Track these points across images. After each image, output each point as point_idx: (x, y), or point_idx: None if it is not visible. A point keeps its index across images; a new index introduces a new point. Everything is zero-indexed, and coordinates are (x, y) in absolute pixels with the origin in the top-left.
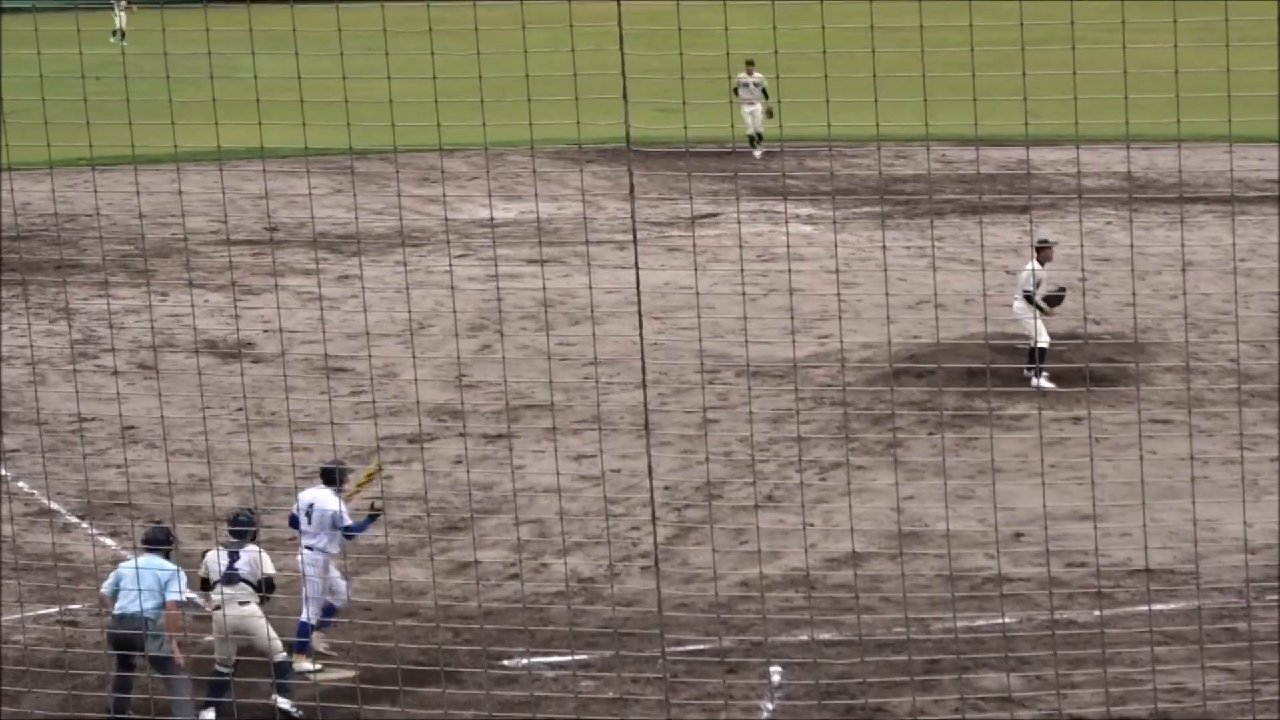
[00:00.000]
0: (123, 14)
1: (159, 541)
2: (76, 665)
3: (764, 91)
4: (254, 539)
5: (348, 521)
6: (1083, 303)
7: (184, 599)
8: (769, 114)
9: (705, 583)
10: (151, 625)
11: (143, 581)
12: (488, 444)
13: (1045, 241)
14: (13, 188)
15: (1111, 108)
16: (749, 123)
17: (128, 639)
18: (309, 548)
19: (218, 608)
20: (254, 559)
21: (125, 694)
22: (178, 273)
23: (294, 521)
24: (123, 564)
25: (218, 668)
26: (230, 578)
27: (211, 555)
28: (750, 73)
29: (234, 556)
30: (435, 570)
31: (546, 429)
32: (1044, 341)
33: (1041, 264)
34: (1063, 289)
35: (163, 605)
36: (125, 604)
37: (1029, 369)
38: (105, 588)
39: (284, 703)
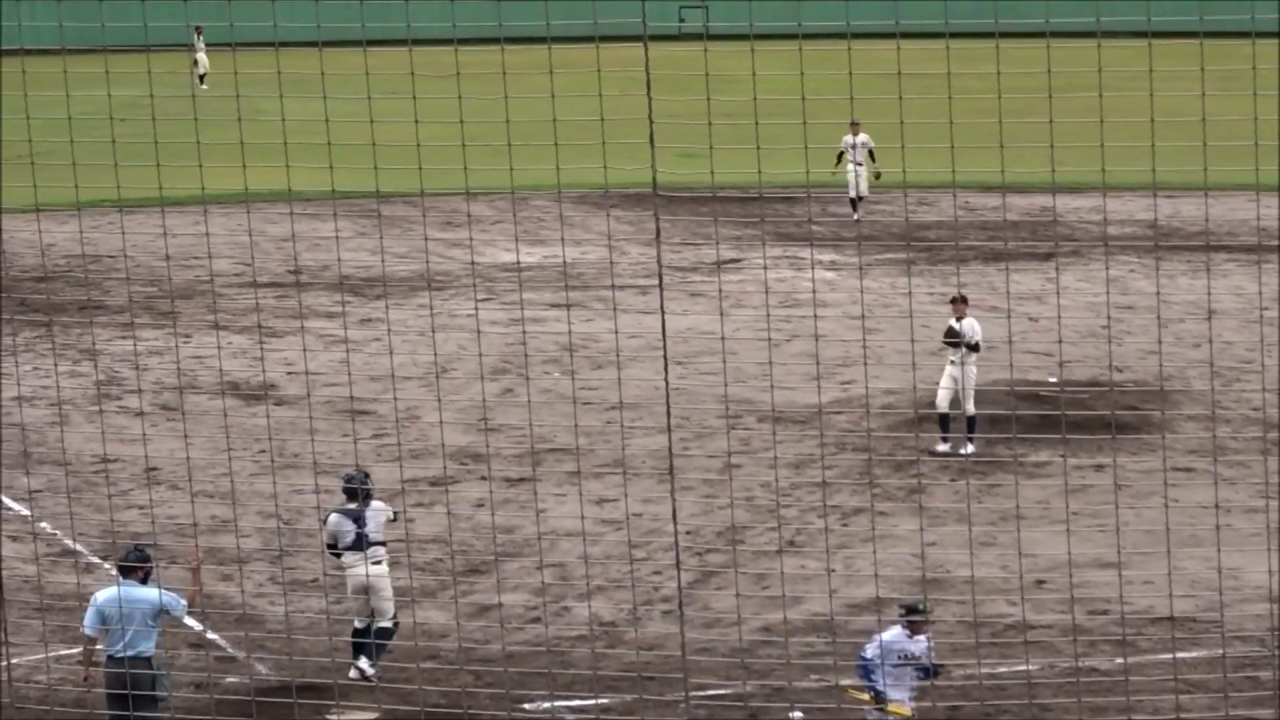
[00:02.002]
0: (202, 54)
1: (137, 564)
2: (99, 705)
3: (870, 153)
4: (368, 495)
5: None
6: (1107, 350)
7: (181, 614)
8: (876, 176)
9: (727, 627)
10: (155, 665)
11: (132, 619)
12: (510, 487)
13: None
14: (40, 228)
15: (1136, 155)
16: (853, 184)
17: (126, 683)
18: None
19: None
20: (378, 517)
21: None
22: (202, 314)
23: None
24: (100, 597)
25: (357, 623)
26: (361, 541)
27: (335, 518)
28: (856, 133)
29: (360, 521)
30: (457, 613)
31: (569, 473)
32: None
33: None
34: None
35: (161, 631)
36: (118, 646)
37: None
38: (88, 627)
39: (364, 663)
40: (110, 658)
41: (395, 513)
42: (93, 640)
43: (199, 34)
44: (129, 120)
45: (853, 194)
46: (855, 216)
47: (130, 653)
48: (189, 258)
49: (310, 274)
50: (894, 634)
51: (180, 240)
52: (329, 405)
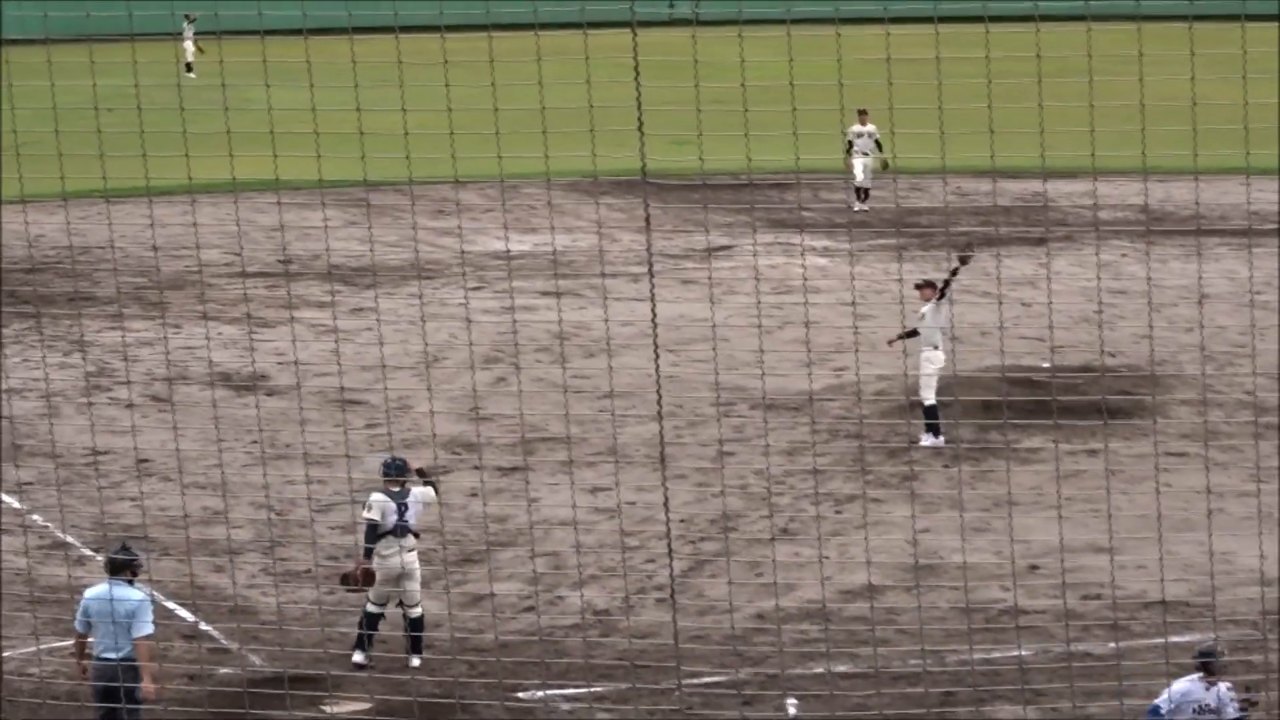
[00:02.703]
0: (190, 44)
1: (122, 566)
2: (91, 701)
3: (878, 143)
4: (405, 483)
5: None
6: (1099, 335)
7: (152, 630)
8: (884, 166)
9: (721, 615)
10: (134, 673)
11: (112, 619)
12: (503, 476)
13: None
14: (27, 220)
15: (1128, 140)
16: (859, 175)
17: (112, 687)
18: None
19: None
20: (417, 504)
21: None
22: (192, 305)
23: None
24: (88, 594)
25: (372, 608)
26: (402, 530)
27: (379, 497)
28: (864, 123)
29: (403, 507)
30: (451, 603)
31: (562, 461)
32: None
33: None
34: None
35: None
36: (103, 648)
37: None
38: (77, 624)
39: (415, 661)
40: (96, 657)
41: (436, 485)
42: (82, 637)
43: (190, 22)
44: (116, 110)
45: (858, 184)
46: (856, 207)
47: (112, 654)
48: (178, 248)
49: (300, 263)
50: (1187, 683)
51: (169, 230)
52: (320, 395)
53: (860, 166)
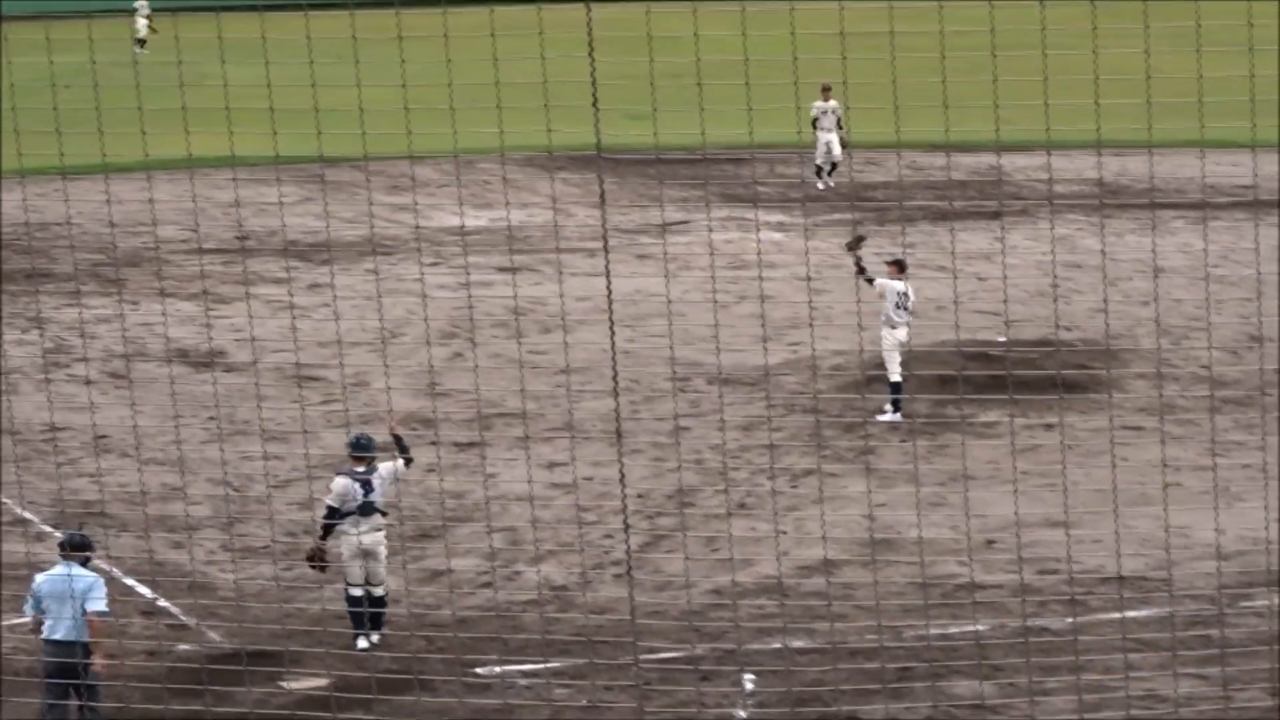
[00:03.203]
0: (144, 21)
1: (77, 548)
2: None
3: (839, 121)
4: (373, 461)
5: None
6: (1054, 309)
7: (106, 609)
8: (843, 144)
9: (678, 590)
10: (84, 651)
11: (65, 604)
12: (460, 452)
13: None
14: None
15: (1083, 113)
16: (823, 151)
17: (63, 666)
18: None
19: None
20: (384, 482)
21: None
22: (149, 282)
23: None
24: (39, 578)
25: (353, 590)
26: (366, 508)
27: (341, 482)
28: (827, 99)
29: (367, 486)
30: (408, 578)
31: (518, 437)
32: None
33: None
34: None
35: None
36: (53, 630)
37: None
38: (27, 608)
39: (369, 639)
40: (46, 640)
41: (408, 459)
42: (37, 621)
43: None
44: (74, 87)
45: (819, 160)
46: (820, 185)
47: (60, 635)
48: (135, 225)
49: (257, 240)
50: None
51: (126, 207)
52: (277, 371)
53: (823, 143)
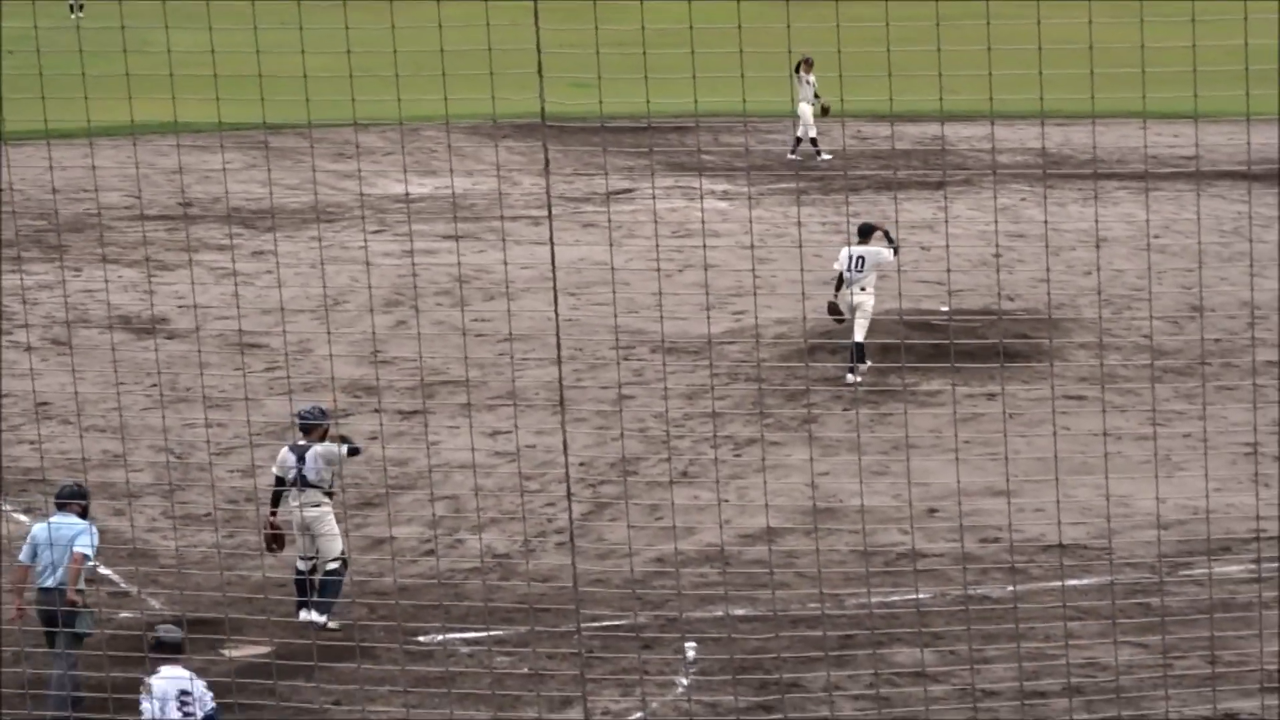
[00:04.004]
0: None
1: (72, 497)
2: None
3: (815, 93)
4: (322, 435)
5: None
6: (997, 279)
7: (91, 554)
8: (823, 112)
9: (620, 559)
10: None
11: (56, 547)
12: (403, 420)
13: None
14: None
15: (1026, 83)
16: (801, 123)
17: (52, 615)
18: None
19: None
20: (319, 460)
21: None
22: (92, 248)
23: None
24: (36, 526)
25: (300, 564)
26: (301, 482)
27: (282, 452)
28: (808, 71)
29: (300, 459)
30: (350, 546)
31: (461, 405)
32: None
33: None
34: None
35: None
36: (44, 578)
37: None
38: (23, 555)
39: (314, 615)
40: (39, 587)
41: (354, 449)
42: (24, 570)
43: None
44: (16, 53)
45: (799, 133)
46: (790, 155)
47: (51, 582)
48: (78, 191)
49: (200, 206)
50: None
51: (69, 173)
52: (220, 339)
53: (802, 115)
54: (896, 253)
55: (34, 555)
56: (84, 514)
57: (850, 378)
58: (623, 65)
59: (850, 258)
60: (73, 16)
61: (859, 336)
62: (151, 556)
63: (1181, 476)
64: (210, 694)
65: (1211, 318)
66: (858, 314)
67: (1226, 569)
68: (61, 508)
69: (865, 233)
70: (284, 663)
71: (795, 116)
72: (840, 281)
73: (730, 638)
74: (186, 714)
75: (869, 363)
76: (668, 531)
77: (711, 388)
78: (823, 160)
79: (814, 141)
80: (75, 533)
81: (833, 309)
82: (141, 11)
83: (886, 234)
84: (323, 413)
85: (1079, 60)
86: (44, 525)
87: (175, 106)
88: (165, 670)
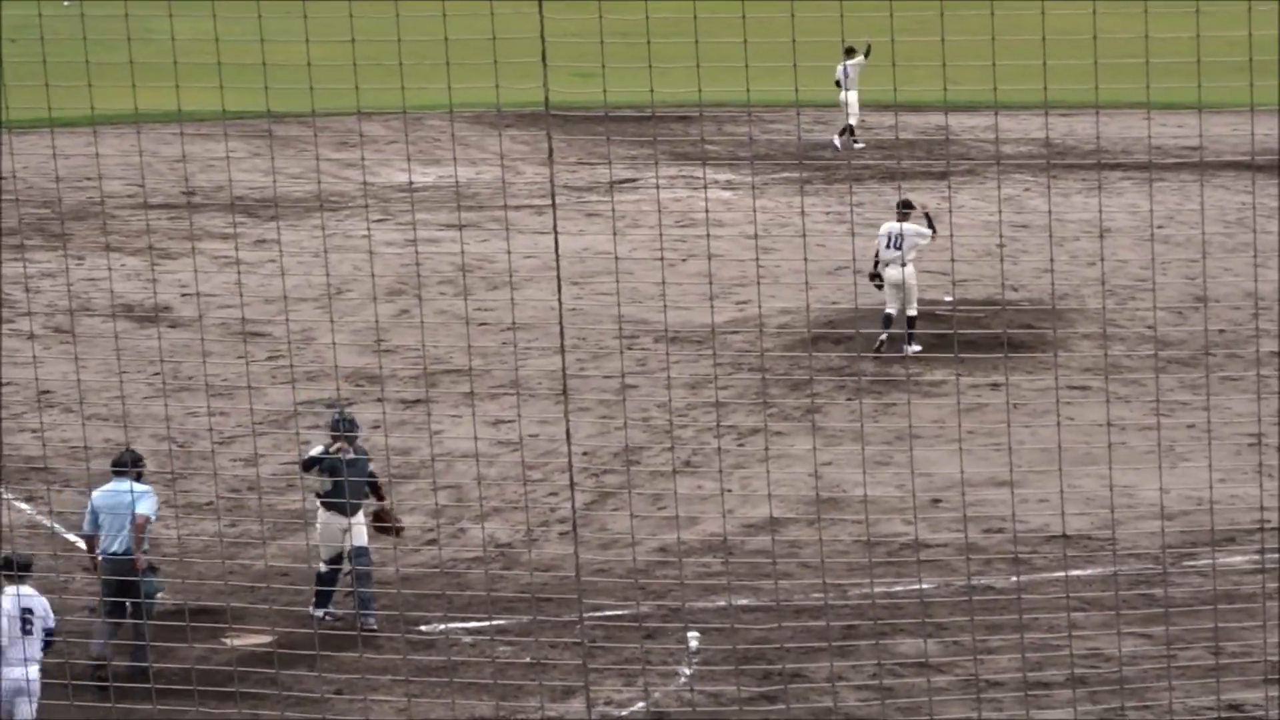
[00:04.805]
0: None
1: (130, 462)
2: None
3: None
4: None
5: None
6: (1000, 269)
7: (154, 516)
8: (866, 51)
9: (623, 548)
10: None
11: (117, 514)
12: (406, 409)
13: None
14: None
15: (1030, 74)
16: (845, 111)
17: (121, 582)
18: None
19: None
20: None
21: (112, 640)
22: (94, 237)
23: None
24: (95, 494)
25: (321, 566)
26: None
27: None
28: (850, 58)
29: (336, 470)
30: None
31: (464, 394)
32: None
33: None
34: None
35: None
36: (109, 544)
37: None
38: (86, 525)
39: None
40: (103, 554)
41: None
42: (91, 539)
43: None
44: (18, 41)
45: (851, 121)
46: (835, 143)
47: (117, 548)
48: (81, 179)
49: (204, 195)
50: None
51: (72, 162)
52: (223, 327)
53: (844, 103)
54: (935, 234)
55: (96, 523)
56: (139, 478)
57: (909, 348)
58: (626, 54)
59: (890, 235)
60: (65, 4)
61: (911, 311)
62: (154, 545)
63: (1185, 467)
64: (52, 613)
65: (1215, 308)
66: (903, 291)
67: (1230, 560)
68: (118, 475)
69: (905, 209)
70: (286, 652)
71: (842, 104)
72: (877, 257)
73: (733, 628)
74: (27, 631)
75: (918, 346)
76: (670, 521)
77: (715, 377)
78: (856, 147)
79: (848, 131)
80: (136, 496)
81: (873, 277)
82: None
83: (926, 215)
84: (350, 421)
85: (1083, 51)
86: (102, 492)
87: (179, 95)
88: (12, 589)
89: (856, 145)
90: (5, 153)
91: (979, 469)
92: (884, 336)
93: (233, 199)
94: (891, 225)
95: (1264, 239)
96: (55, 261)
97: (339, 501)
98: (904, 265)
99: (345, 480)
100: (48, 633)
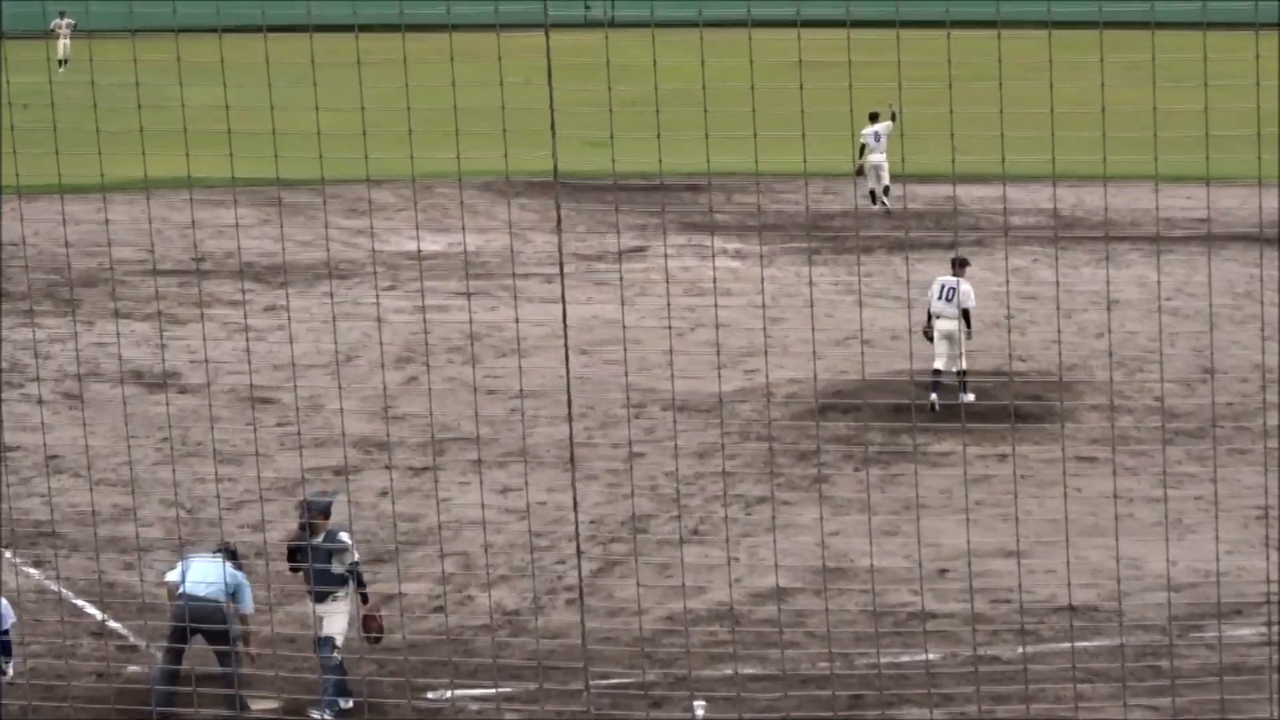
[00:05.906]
0: (66, 41)
1: (228, 554)
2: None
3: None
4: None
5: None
6: (1008, 340)
7: (252, 612)
8: (892, 117)
9: (630, 616)
10: (221, 612)
11: (210, 574)
12: (414, 476)
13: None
14: None
15: (1039, 145)
16: (873, 176)
17: (194, 619)
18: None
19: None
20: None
21: (173, 685)
22: (104, 302)
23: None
24: (192, 557)
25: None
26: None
27: (346, 537)
28: (875, 123)
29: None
30: (359, 602)
31: (472, 462)
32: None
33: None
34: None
35: (232, 596)
36: (196, 589)
37: (950, 387)
38: (171, 575)
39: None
40: (185, 594)
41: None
42: (173, 587)
43: (61, 17)
44: (30, 106)
45: (872, 185)
46: (877, 208)
47: (203, 592)
48: (91, 245)
49: (213, 261)
50: None
51: (82, 228)
52: (232, 394)
53: (874, 169)
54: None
55: (184, 575)
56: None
57: (965, 397)
58: (635, 124)
59: (943, 287)
60: (59, 70)
61: (964, 364)
62: (161, 611)
63: (1193, 539)
64: (10, 612)
65: (1223, 380)
66: (952, 343)
67: (1238, 632)
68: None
69: (959, 265)
70: (293, 718)
71: (869, 171)
72: (929, 311)
73: (740, 696)
74: None
75: (972, 395)
76: (678, 590)
77: (723, 446)
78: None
79: (885, 191)
80: (238, 578)
81: (926, 333)
82: (156, 68)
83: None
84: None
85: (1091, 122)
86: (197, 558)
87: (189, 162)
88: None
89: (885, 205)
90: (15, 218)
91: (986, 539)
92: (934, 396)
93: (242, 265)
94: (946, 278)
95: (1272, 311)
96: (65, 327)
97: (307, 589)
98: (953, 318)
99: (310, 566)
100: (2, 633)
